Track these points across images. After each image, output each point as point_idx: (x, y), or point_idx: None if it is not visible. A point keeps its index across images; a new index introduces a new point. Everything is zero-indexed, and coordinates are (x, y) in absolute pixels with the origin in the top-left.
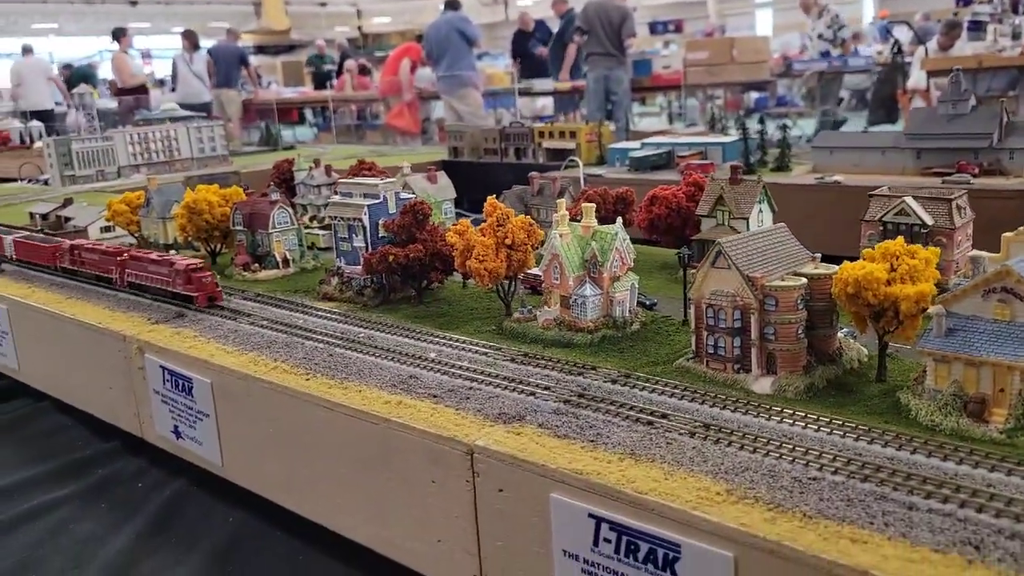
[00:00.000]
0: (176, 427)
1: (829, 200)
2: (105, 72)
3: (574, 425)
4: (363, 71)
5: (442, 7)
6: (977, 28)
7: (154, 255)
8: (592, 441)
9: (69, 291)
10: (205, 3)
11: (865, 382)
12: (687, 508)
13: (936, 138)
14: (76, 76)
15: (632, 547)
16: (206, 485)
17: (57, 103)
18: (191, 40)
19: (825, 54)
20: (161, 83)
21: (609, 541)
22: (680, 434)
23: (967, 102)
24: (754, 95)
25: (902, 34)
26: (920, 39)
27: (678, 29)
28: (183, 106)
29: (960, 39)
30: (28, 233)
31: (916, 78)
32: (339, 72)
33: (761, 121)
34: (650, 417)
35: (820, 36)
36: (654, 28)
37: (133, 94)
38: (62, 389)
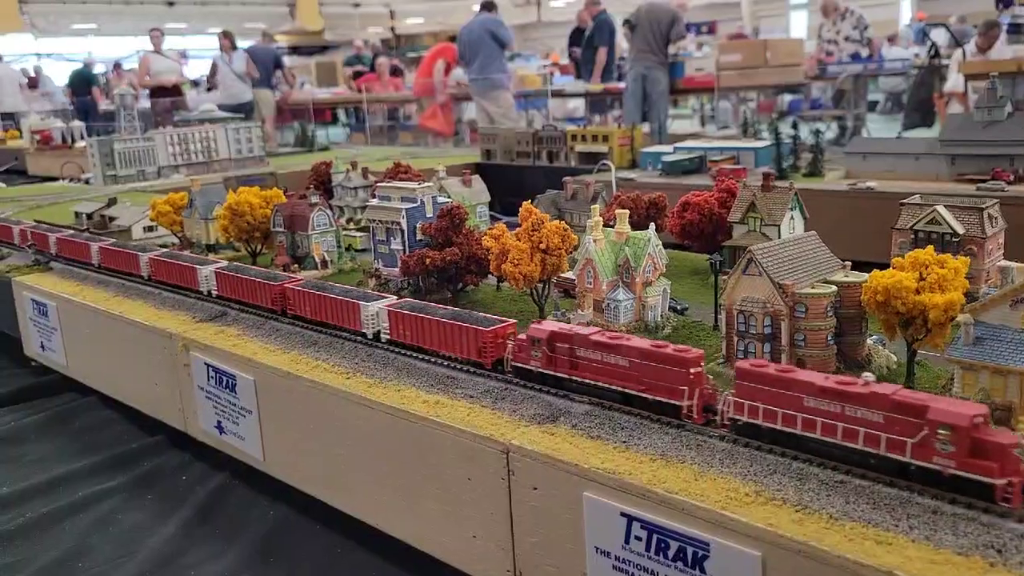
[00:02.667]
0: (219, 422)
1: (861, 206)
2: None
3: (607, 427)
4: (395, 72)
5: (476, 8)
6: (1016, 31)
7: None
8: (624, 442)
9: (116, 289)
10: (240, 4)
11: None
12: (716, 508)
13: (971, 144)
14: (76, 78)
15: (662, 545)
16: (248, 479)
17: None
18: (230, 40)
19: (855, 56)
20: (195, 84)
21: (640, 539)
22: (710, 437)
23: (1003, 108)
24: (787, 98)
25: (940, 36)
26: (958, 41)
27: (711, 31)
28: (225, 107)
29: (999, 40)
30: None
31: (953, 81)
32: (372, 69)
33: (794, 125)
34: (681, 420)
35: (847, 38)
36: (687, 29)
37: (167, 95)
38: (109, 384)
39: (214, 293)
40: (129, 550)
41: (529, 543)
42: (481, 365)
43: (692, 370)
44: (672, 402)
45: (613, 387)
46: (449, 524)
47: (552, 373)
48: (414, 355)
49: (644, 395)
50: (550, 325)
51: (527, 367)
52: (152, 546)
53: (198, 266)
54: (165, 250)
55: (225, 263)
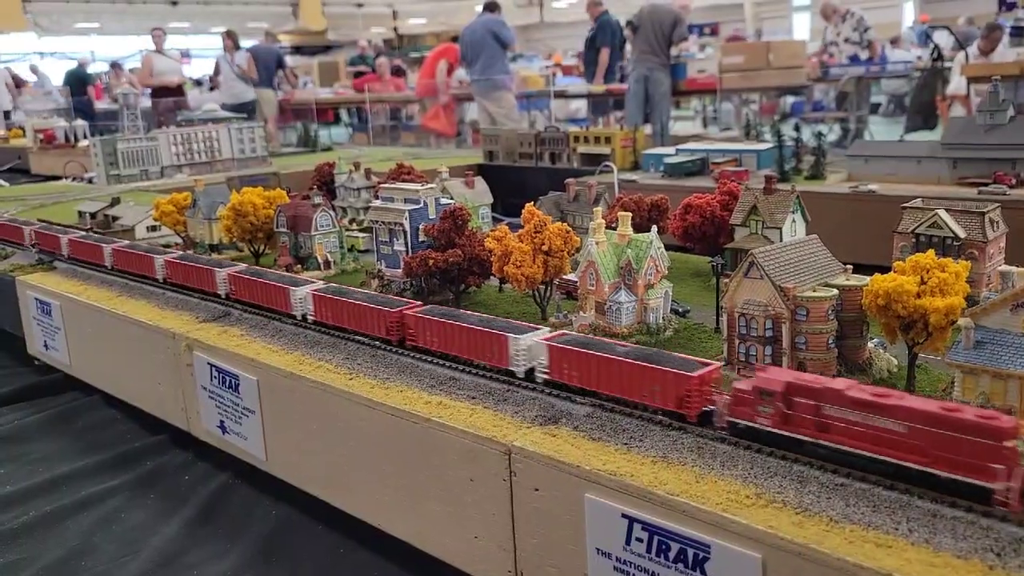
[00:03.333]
0: (222, 422)
1: (863, 209)
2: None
3: (608, 428)
4: (397, 72)
5: (479, 9)
6: (1019, 34)
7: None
8: (625, 444)
9: (120, 289)
10: (243, 3)
11: None
12: (717, 510)
13: (973, 148)
14: (71, 77)
15: (663, 546)
16: (250, 479)
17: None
18: (233, 40)
19: (854, 58)
20: (198, 83)
21: (641, 540)
22: (711, 439)
23: (1005, 112)
24: (790, 100)
25: (943, 39)
26: (961, 44)
27: (714, 32)
28: (227, 106)
29: (1002, 43)
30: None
31: (956, 84)
32: (374, 70)
33: (796, 128)
34: (682, 422)
35: (847, 40)
36: (689, 31)
37: (169, 95)
38: (113, 384)
39: (311, 318)
40: (132, 549)
41: (530, 544)
42: (682, 418)
43: (1007, 443)
44: (978, 483)
45: (883, 458)
46: (451, 525)
47: (790, 435)
48: (416, 356)
49: (932, 471)
50: (783, 374)
51: (752, 424)
52: (155, 545)
53: (291, 287)
54: (243, 265)
55: (321, 283)
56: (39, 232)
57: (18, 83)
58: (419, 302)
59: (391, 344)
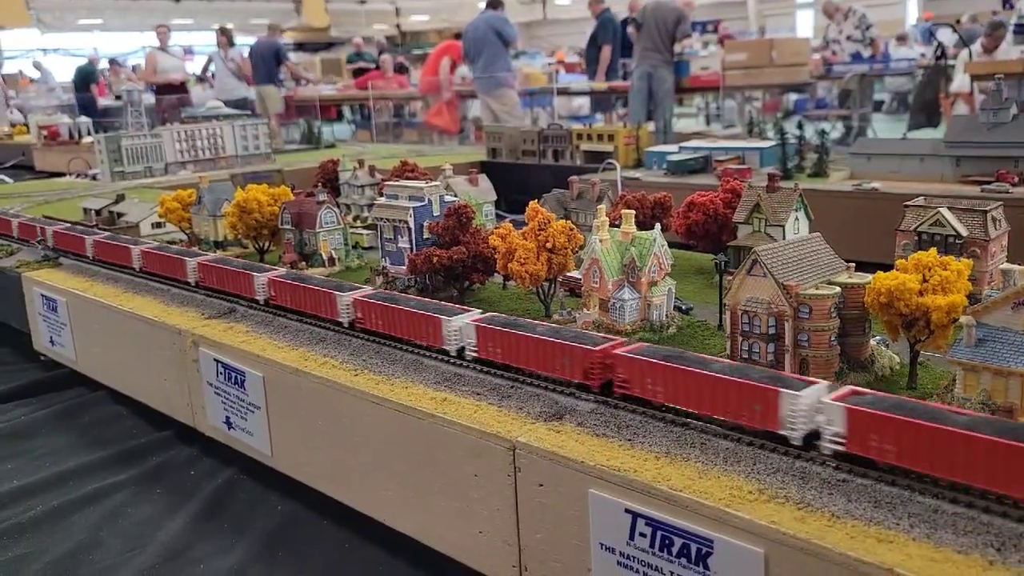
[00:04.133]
0: (228, 418)
1: (866, 207)
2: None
3: (612, 424)
4: (400, 69)
5: (482, 5)
6: (1022, 32)
7: None
8: (629, 440)
9: (125, 285)
10: (246, 0)
11: (896, 389)
12: (720, 506)
13: (976, 146)
14: (81, 74)
15: (667, 541)
16: (256, 474)
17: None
18: (227, 36)
19: (857, 55)
20: (200, 80)
21: (644, 535)
22: (714, 435)
23: (1008, 110)
24: (793, 97)
25: (946, 37)
26: (964, 42)
27: (716, 30)
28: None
29: (1006, 41)
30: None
31: (959, 82)
32: (377, 67)
33: (799, 125)
34: (685, 418)
35: (849, 38)
36: (692, 28)
37: (172, 92)
38: (119, 380)
39: (472, 354)
40: (138, 543)
41: (535, 539)
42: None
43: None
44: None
45: None
46: (456, 520)
47: None
48: (421, 353)
49: None
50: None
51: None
52: (161, 540)
53: (445, 318)
54: (370, 289)
55: (478, 312)
56: (59, 232)
57: (7, 81)
58: (622, 339)
59: (588, 391)
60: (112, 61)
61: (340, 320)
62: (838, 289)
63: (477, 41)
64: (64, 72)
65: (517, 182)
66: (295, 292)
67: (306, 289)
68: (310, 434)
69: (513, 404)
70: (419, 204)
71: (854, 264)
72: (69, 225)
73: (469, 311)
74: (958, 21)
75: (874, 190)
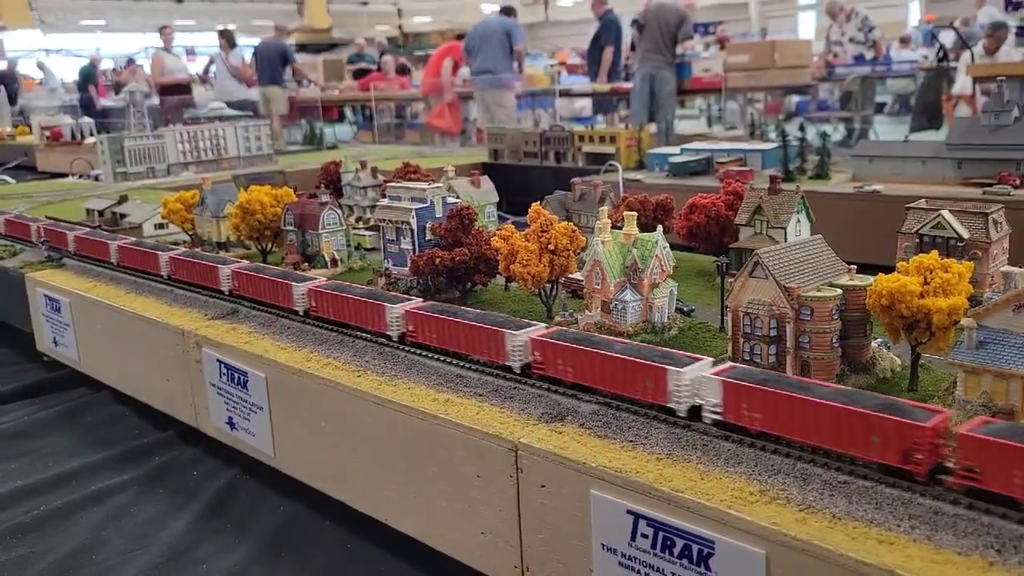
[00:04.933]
0: (230, 418)
1: (868, 209)
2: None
3: (614, 426)
4: (402, 71)
5: (484, 8)
6: None
7: None
8: (631, 441)
9: (128, 286)
10: (248, 1)
11: (897, 391)
12: (721, 507)
13: (978, 148)
14: (82, 75)
15: (668, 542)
16: (258, 474)
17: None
18: (228, 39)
19: (859, 57)
20: (203, 80)
21: (646, 536)
22: (716, 437)
23: (1010, 113)
24: (795, 99)
25: (948, 39)
26: (966, 44)
27: (715, 32)
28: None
29: (1007, 42)
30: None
31: (961, 84)
32: (379, 68)
33: (801, 127)
34: (687, 420)
35: (851, 40)
36: (694, 30)
37: (176, 93)
38: (121, 380)
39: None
40: (141, 543)
41: (537, 540)
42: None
43: None
44: None
45: None
46: (458, 521)
47: None
48: (424, 354)
49: None
50: None
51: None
52: (164, 540)
53: (508, 330)
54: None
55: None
56: (80, 237)
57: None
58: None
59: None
60: (130, 60)
61: (388, 334)
62: (840, 291)
63: (485, 38)
64: (68, 73)
65: (519, 184)
66: (336, 303)
67: (351, 300)
68: (313, 435)
69: (515, 405)
70: (421, 205)
71: (855, 266)
72: (91, 230)
73: (534, 325)
74: (952, 24)
75: (876, 192)
